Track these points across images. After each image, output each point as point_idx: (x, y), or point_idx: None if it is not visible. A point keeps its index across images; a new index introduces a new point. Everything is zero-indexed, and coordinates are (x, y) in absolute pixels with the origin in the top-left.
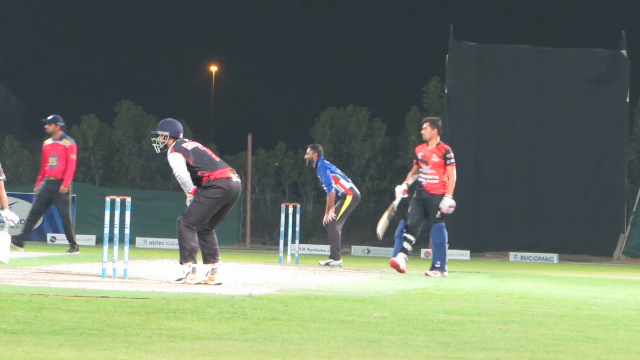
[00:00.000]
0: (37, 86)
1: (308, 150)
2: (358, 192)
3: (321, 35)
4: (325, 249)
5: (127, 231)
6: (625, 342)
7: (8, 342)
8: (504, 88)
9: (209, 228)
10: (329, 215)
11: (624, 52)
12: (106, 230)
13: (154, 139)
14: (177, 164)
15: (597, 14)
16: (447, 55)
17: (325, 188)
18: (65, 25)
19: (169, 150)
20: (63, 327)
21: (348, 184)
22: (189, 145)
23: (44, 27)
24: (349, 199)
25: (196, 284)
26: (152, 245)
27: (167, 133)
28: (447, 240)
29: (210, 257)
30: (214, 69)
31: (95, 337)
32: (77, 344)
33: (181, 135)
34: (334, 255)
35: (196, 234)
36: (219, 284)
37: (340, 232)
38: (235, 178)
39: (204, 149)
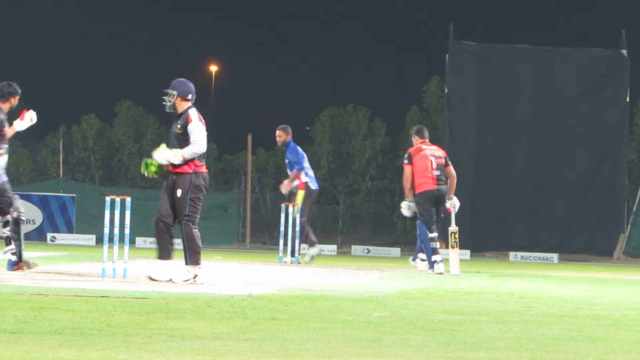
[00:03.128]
0: (37, 86)
1: (279, 132)
2: (312, 187)
3: (321, 35)
4: (325, 248)
5: (127, 231)
6: (625, 341)
7: (8, 342)
8: (504, 88)
9: (171, 223)
10: (285, 187)
11: (624, 52)
12: (106, 230)
13: (164, 97)
14: (203, 136)
15: (597, 13)
16: (447, 55)
17: (292, 167)
18: (65, 25)
19: (196, 118)
20: (63, 327)
21: (305, 177)
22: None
23: (44, 27)
24: (300, 193)
25: (189, 280)
26: (152, 245)
27: (175, 92)
28: (422, 236)
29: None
30: (214, 68)
31: (95, 337)
32: (77, 343)
33: (190, 97)
34: (311, 244)
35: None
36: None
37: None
38: (205, 168)
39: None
